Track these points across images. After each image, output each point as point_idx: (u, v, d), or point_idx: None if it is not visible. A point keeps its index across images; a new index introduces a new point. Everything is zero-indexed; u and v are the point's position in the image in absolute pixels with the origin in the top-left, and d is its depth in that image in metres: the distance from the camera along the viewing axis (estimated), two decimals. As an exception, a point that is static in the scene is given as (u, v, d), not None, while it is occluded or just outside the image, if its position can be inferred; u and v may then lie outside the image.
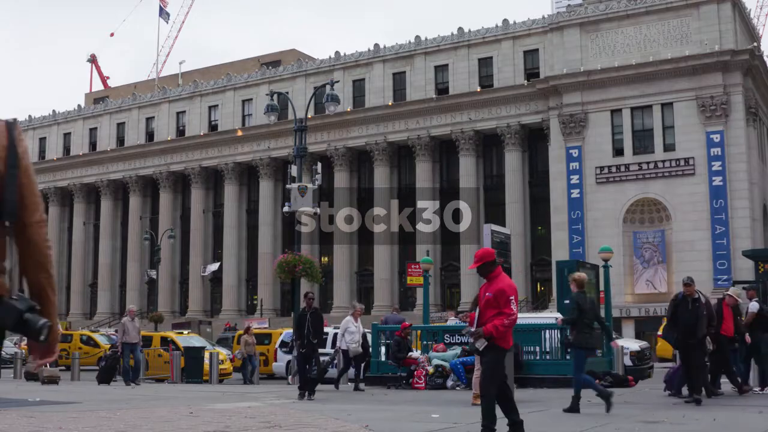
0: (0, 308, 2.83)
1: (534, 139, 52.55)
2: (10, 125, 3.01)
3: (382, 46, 57.24)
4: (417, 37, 56.15)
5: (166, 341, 29.21)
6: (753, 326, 16.44)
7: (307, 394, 16.37)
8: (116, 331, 28.05)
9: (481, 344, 8.39)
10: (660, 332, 22.95)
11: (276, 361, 27.50)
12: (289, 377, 23.76)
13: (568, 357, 19.12)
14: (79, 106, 74.88)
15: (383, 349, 21.36)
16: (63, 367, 34.50)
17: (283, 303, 58.89)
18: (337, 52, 59.00)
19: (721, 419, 11.45)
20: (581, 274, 12.77)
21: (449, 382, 19.03)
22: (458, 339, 20.12)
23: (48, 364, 20.00)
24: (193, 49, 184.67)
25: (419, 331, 22.07)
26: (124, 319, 23.32)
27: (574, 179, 47.97)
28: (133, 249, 64.84)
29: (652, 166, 46.40)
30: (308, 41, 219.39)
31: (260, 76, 61.84)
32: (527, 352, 19.34)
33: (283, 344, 26.50)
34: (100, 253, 67.92)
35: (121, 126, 68.52)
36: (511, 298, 8.40)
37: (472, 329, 8.57)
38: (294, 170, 24.35)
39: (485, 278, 8.67)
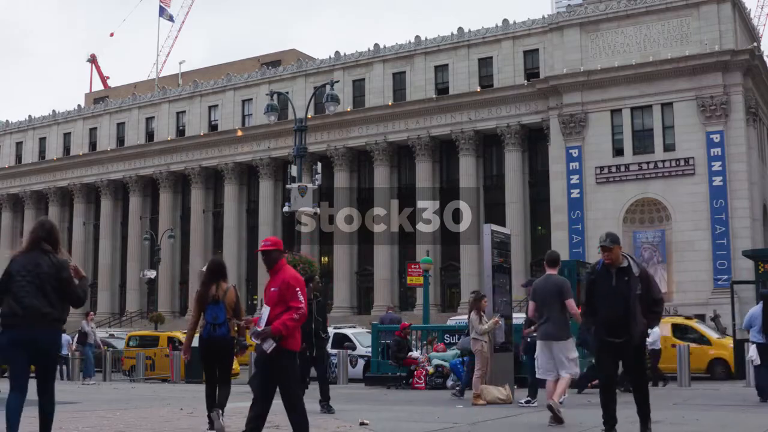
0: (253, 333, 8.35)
1: (534, 139, 52.53)
2: (235, 288, 10.08)
3: (382, 46, 57.19)
4: (417, 37, 56.12)
5: (172, 341, 29.12)
6: None
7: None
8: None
9: (269, 346, 7.47)
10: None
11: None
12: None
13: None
14: (79, 106, 74.86)
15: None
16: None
17: (283, 303, 58.75)
18: (337, 52, 58.97)
19: (720, 419, 11.47)
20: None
21: (449, 382, 19.04)
22: (458, 339, 20.12)
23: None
24: (193, 49, 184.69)
25: (419, 331, 22.07)
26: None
27: (574, 179, 47.96)
28: (133, 249, 64.80)
29: (652, 166, 46.39)
30: (308, 41, 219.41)
31: (260, 76, 61.81)
32: (527, 351, 19.31)
33: None
34: (100, 253, 67.90)
35: (121, 126, 68.51)
36: (298, 289, 7.64)
37: (259, 329, 7.61)
38: (294, 170, 24.40)
39: (269, 269, 7.87)
